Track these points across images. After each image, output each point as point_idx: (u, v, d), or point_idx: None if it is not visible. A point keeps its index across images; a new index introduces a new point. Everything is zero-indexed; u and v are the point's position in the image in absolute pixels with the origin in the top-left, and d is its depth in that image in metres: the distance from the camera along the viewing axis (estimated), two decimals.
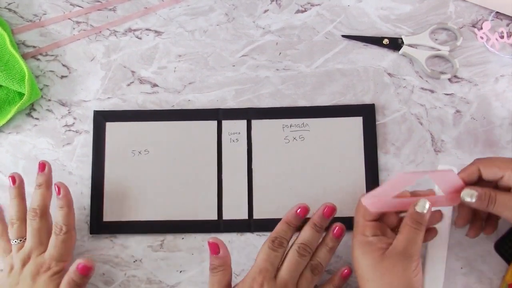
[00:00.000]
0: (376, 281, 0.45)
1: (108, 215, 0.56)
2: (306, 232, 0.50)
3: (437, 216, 0.51)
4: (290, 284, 0.48)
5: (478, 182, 0.48)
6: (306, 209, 0.50)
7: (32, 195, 0.53)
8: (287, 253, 0.49)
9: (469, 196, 0.46)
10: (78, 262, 0.47)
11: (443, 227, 0.54)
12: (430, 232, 0.51)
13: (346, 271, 0.52)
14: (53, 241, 0.51)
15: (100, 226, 0.56)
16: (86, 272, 0.47)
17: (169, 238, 0.57)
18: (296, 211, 0.50)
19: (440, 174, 0.47)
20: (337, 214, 0.53)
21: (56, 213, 0.52)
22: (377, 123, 0.58)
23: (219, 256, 0.48)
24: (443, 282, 0.54)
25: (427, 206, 0.46)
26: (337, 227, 0.51)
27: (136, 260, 0.56)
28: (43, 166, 0.53)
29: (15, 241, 0.52)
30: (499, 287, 0.54)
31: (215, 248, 0.48)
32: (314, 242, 0.50)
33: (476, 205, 0.46)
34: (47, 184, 0.53)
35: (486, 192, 0.46)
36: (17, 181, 0.54)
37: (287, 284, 0.47)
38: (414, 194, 0.49)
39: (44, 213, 0.52)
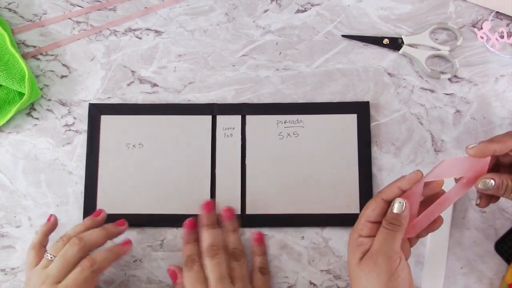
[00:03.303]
0: (354, 282, 0.45)
1: (102, 208, 0.56)
2: (205, 235, 0.51)
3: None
4: (226, 283, 0.48)
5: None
6: (191, 221, 0.53)
7: (92, 230, 0.51)
8: (204, 264, 0.50)
9: (486, 185, 0.44)
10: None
11: (443, 227, 0.54)
12: (436, 221, 0.48)
13: (256, 235, 0.55)
14: (75, 275, 0.48)
15: None
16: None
17: (169, 238, 0.57)
18: (185, 229, 0.52)
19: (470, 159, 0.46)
20: (330, 211, 0.55)
21: (99, 251, 0.50)
22: (377, 123, 0.58)
23: (205, 214, 0.53)
24: (443, 282, 0.54)
25: (401, 206, 0.45)
26: (225, 210, 0.53)
27: (136, 260, 0.56)
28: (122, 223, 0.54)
29: (48, 256, 0.49)
30: (499, 287, 0.54)
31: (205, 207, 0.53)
32: (217, 238, 0.51)
33: (492, 193, 0.45)
34: (108, 232, 0.52)
35: (503, 181, 0.44)
36: (99, 217, 0.53)
37: (223, 286, 0.48)
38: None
39: (86, 249, 0.49)
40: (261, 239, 0.55)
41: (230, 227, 0.53)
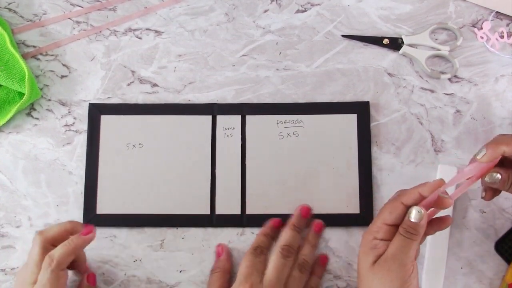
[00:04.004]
0: (365, 284, 0.45)
1: (101, 208, 0.57)
2: (286, 233, 0.51)
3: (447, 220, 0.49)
4: (277, 286, 0.48)
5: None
6: (279, 221, 0.54)
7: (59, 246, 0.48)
8: (270, 258, 0.50)
9: (493, 179, 0.45)
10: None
11: None
12: (445, 221, 0.48)
13: (323, 258, 0.54)
14: (41, 276, 0.46)
15: (93, 218, 0.56)
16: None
17: (169, 238, 0.57)
18: (271, 224, 0.54)
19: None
20: (330, 211, 0.55)
21: (57, 247, 0.48)
22: (377, 123, 0.58)
23: (219, 259, 0.54)
24: (443, 282, 0.54)
25: (419, 215, 0.45)
26: (316, 223, 0.54)
27: (136, 260, 0.56)
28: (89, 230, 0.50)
29: None
30: (499, 287, 0.54)
31: (219, 252, 0.55)
32: (295, 242, 0.51)
33: (497, 186, 0.46)
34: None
35: (509, 176, 0.45)
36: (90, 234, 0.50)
37: (274, 286, 0.48)
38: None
39: (60, 265, 0.47)
40: (320, 230, 0.54)
41: (313, 241, 0.53)
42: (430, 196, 0.45)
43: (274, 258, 0.50)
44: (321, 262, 0.54)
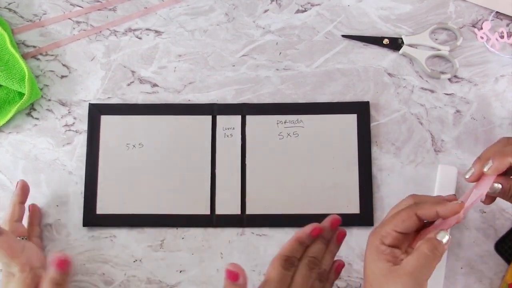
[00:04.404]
0: (372, 286, 0.45)
1: (101, 208, 0.57)
2: (316, 246, 0.48)
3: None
4: None
5: None
6: (320, 229, 0.48)
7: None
8: (298, 270, 0.48)
9: (493, 189, 0.45)
10: (56, 257, 0.43)
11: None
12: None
13: (339, 264, 0.51)
14: None
15: (93, 218, 0.56)
16: (64, 268, 0.43)
17: (169, 238, 0.57)
18: (310, 232, 0.48)
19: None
20: (330, 211, 0.55)
21: None
22: (377, 123, 0.58)
23: (235, 284, 0.43)
24: (443, 282, 0.54)
25: (447, 241, 0.44)
26: (339, 233, 0.50)
27: (136, 260, 0.56)
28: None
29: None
30: (499, 287, 0.54)
31: (235, 276, 0.43)
32: (322, 253, 0.49)
33: (497, 196, 0.46)
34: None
35: (511, 187, 0.45)
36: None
37: None
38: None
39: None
40: (342, 240, 0.51)
41: (335, 250, 0.49)
42: (451, 219, 0.45)
43: (301, 271, 0.47)
44: (336, 268, 0.51)
